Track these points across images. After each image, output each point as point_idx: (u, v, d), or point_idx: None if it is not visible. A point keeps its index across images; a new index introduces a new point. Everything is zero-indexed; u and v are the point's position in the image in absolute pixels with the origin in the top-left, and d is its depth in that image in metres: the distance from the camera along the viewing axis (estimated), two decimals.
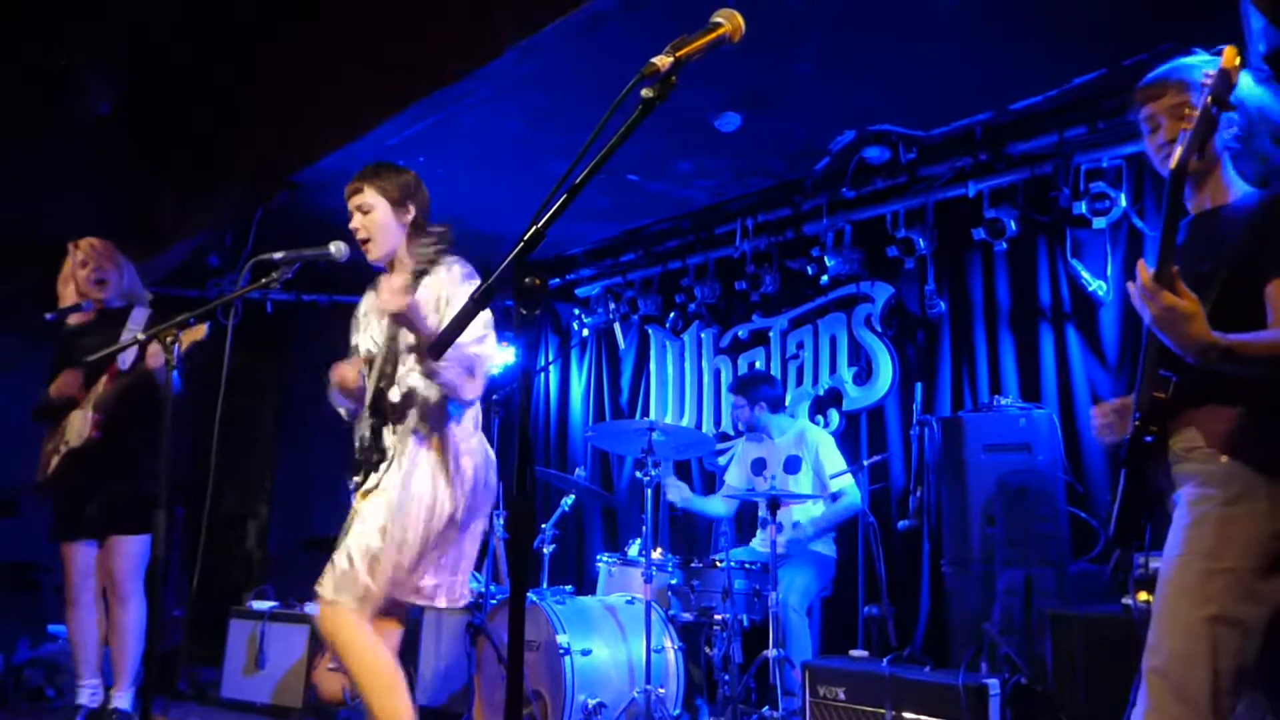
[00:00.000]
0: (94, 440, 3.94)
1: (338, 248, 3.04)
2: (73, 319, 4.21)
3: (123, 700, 4.02)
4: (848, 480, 4.82)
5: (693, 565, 4.53)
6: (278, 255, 2.95)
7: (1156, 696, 1.90)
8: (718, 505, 5.25)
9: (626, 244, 6.55)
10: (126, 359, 3.93)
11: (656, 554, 4.47)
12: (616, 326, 6.75)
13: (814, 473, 4.91)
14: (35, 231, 5.74)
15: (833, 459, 4.93)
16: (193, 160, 5.59)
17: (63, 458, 4.04)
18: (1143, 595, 3.26)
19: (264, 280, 2.91)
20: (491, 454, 3.12)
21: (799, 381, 5.76)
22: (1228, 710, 1.84)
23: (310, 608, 5.48)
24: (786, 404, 5.45)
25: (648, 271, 6.47)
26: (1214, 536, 1.89)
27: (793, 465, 4.97)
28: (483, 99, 4.47)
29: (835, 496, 4.86)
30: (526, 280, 1.40)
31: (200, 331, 3.53)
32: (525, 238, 1.41)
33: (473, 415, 3.07)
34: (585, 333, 6.87)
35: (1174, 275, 1.84)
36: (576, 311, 6.88)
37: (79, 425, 3.99)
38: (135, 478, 3.96)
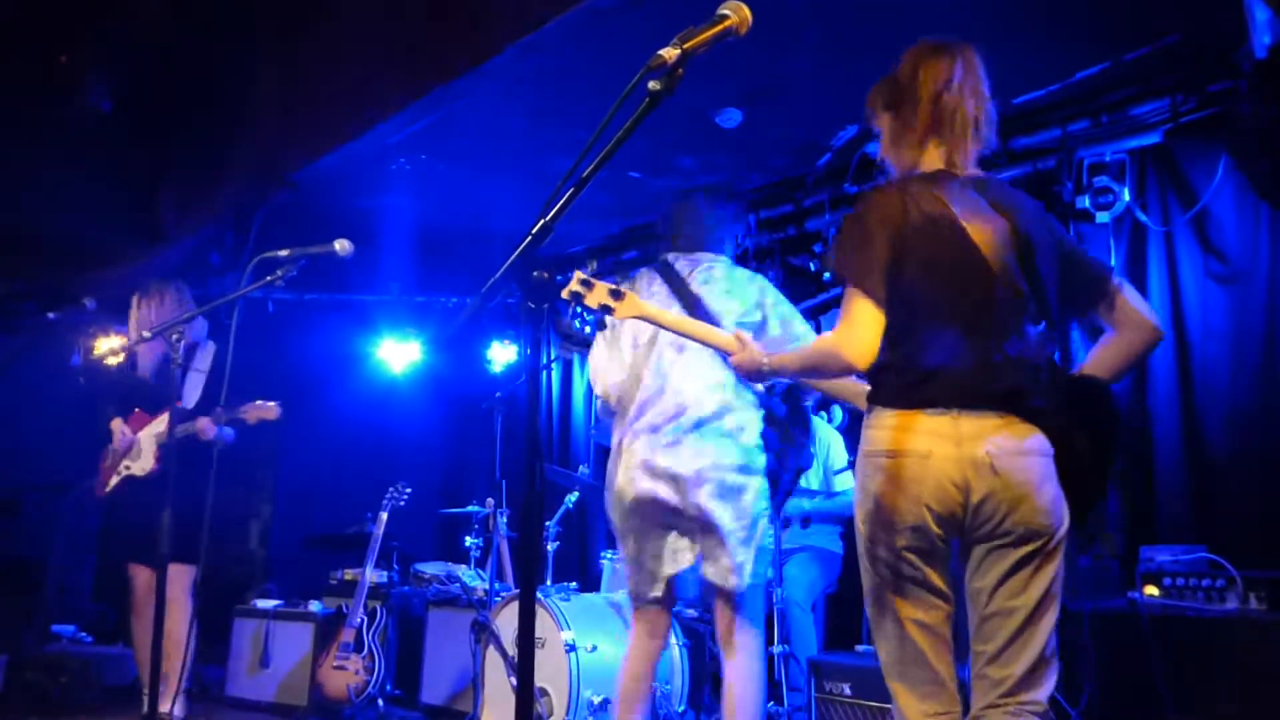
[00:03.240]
0: (155, 472, 4.35)
1: (342, 245, 3.04)
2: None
3: (179, 709, 4.26)
4: (851, 481, 4.81)
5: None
6: (283, 253, 2.96)
7: None
8: None
9: (628, 241, 6.53)
10: (191, 396, 4.43)
11: None
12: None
13: (823, 470, 4.90)
14: (36, 230, 5.74)
15: (840, 459, 4.92)
16: (194, 159, 5.58)
17: (122, 480, 4.44)
18: (1150, 589, 3.26)
19: (268, 278, 2.92)
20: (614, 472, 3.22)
21: None
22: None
23: (314, 605, 5.49)
24: None
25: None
26: None
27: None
28: (484, 96, 4.45)
29: (834, 496, 4.85)
30: (534, 275, 1.39)
31: (273, 411, 4.26)
32: (533, 231, 1.41)
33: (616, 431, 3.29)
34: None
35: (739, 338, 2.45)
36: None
37: (145, 455, 4.41)
38: (188, 510, 4.08)
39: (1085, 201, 4.47)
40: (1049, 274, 2.10)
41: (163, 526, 3.84)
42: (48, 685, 5.37)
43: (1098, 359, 2.22)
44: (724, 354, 2.36)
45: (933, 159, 2.18)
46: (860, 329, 1.99)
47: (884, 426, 2.02)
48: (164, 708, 4.08)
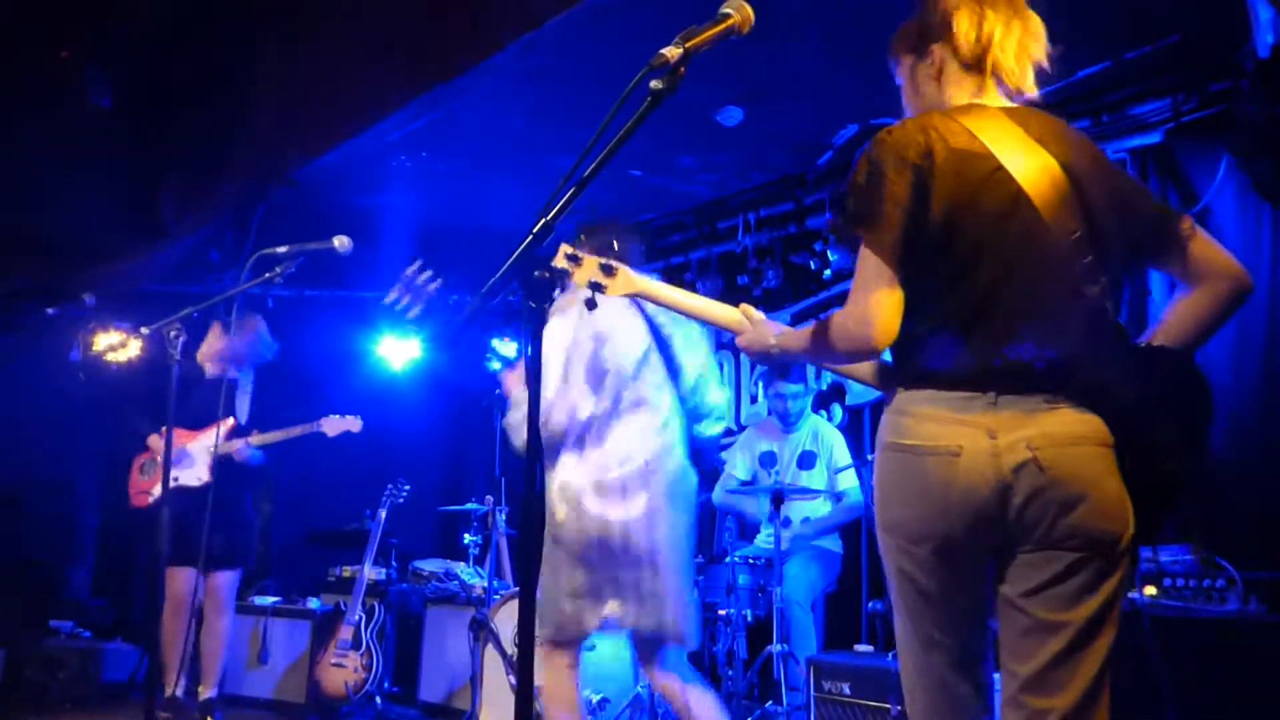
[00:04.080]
0: (209, 482, 4.62)
1: (341, 242, 3.04)
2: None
3: (212, 693, 4.74)
4: (852, 479, 4.82)
5: (697, 560, 4.52)
6: (281, 250, 2.95)
7: None
8: None
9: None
10: (241, 416, 4.82)
11: None
12: None
13: (827, 470, 4.90)
14: (36, 227, 5.73)
15: (843, 459, 4.92)
16: (194, 156, 5.57)
17: (171, 490, 4.62)
18: (1150, 589, 3.26)
19: (268, 275, 2.92)
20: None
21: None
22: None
23: (312, 602, 5.49)
24: None
25: (649, 267, 6.43)
26: None
27: (807, 461, 4.95)
28: (485, 94, 4.45)
29: (839, 496, 4.85)
30: (536, 274, 1.39)
31: (356, 424, 4.68)
32: (534, 230, 1.40)
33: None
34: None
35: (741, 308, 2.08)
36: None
37: (198, 466, 4.71)
38: (235, 518, 4.74)
39: None
40: (1106, 218, 1.73)
41: (212, 532, 4.41)
42: (46, 681, 5.38)
43: (1172, 321, 1.82)
44: (731, 334, 2.18)
45: (960, 95, 1.85)
46: (875, 304, 1.66)
47: (906, 412, 1.72)
48: (205, 694, 4.74)
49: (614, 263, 2.19)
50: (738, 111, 4.66)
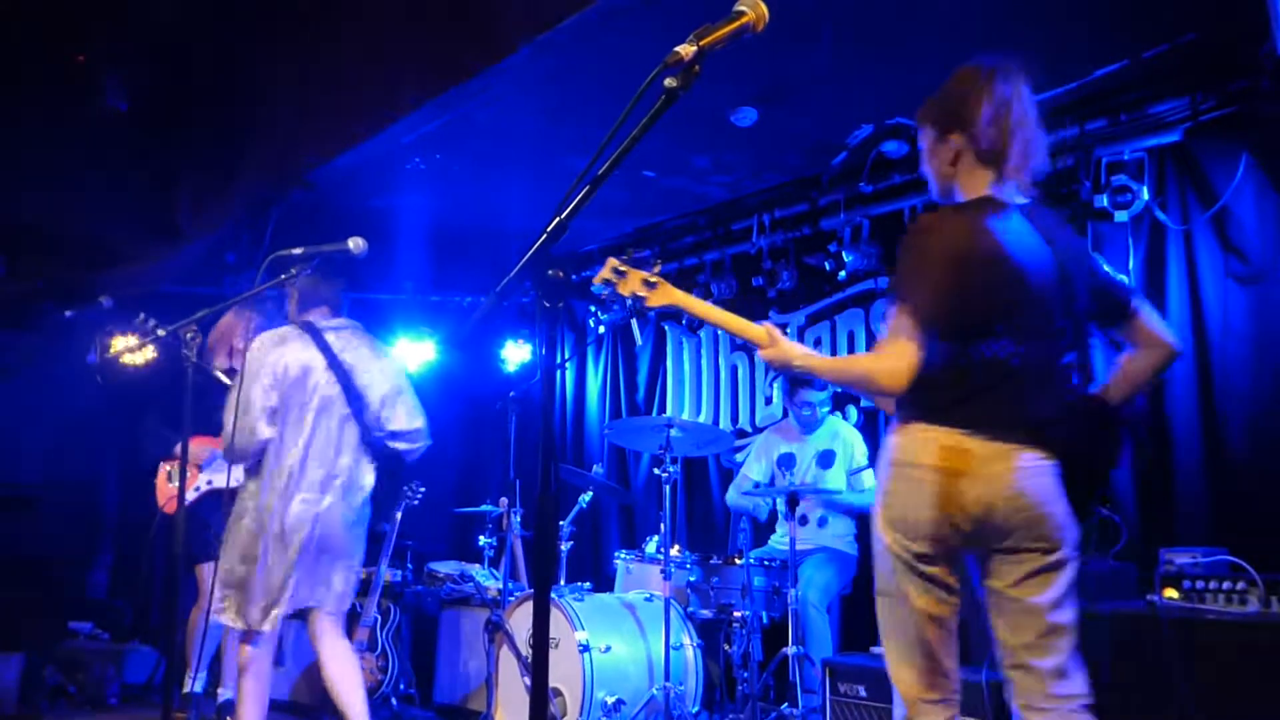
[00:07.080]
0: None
1: (356, 244, 3.04)
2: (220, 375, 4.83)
3: (231, 694, 4.54)
4: (871, 480, 4.80)
5: (711, 562, 4.51)
6: (296, 251, 2.96)
7: None
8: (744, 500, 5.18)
9: (642, 240, 6.53)
10: None
11: (675, 551, 4.45)
12: (634, 323, 6.73)
13: (845, 470, 4.89)
14: (52, 230, 5.77)
15: (861, 460, 4.90)
16: (209, 158, 5.60)
17: (203, 494, 4.72)
18: (1169, 592, 3.23)
19: (282, 276, 2.92)
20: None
21: None
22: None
23: None
24: None
25: (664, 268, 6.34)
26: None
27: (826, 460, 4.94)
28: (498, 96, 4.45)
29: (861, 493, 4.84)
30: (550, 272, 1.38)
31: None
32: (549, 229, 1.39)
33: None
34: (601, 330, 6.86)
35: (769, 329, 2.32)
36: (592, 308, 6.87)
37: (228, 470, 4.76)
38: None
39: (1104, 200, 4.43)
40: (1082, 306, 2.20)
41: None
42: (65, 682, 5.40)
43: (1120, 376, 2.33)
44: (753, 346, 2.36)
45: (980, 183, 2.21)
46: (902, 361, 2.05)
47: (919, 439, 2.12)
48: (226, 694, 4.59)
49: (654, 276, 2.43)
50: (752, 112, 4.65)
